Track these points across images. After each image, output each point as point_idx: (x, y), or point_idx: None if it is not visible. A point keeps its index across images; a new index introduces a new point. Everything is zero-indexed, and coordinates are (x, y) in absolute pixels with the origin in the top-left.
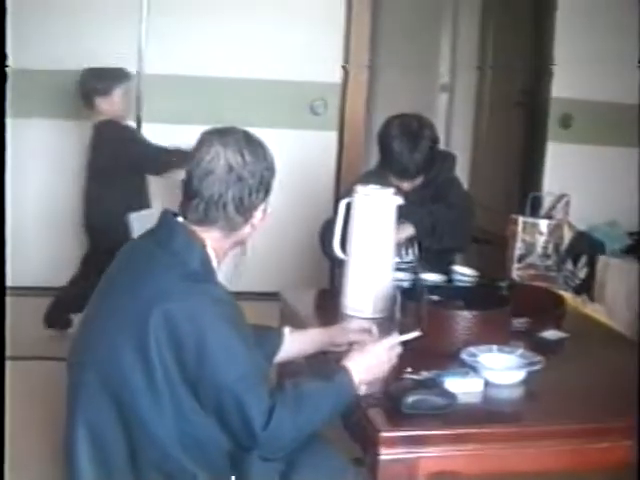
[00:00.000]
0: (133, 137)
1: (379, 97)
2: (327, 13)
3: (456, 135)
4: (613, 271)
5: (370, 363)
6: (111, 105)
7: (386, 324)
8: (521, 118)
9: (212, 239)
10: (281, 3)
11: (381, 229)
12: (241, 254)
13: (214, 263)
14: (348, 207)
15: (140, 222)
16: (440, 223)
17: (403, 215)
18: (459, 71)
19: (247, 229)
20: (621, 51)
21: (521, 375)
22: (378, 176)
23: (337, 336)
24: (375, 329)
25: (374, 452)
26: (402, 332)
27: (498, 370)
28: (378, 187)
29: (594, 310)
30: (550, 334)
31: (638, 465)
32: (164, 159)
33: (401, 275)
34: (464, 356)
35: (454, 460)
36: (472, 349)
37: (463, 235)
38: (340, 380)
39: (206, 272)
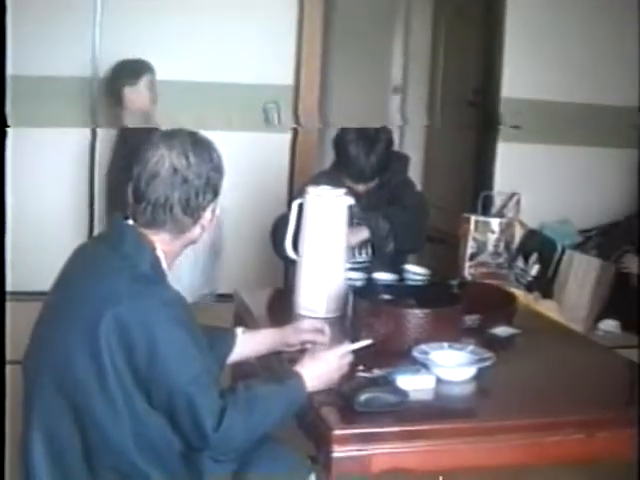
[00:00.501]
0: None
1: (332, 99)
2: (279, 15)
3: (409, 136)
4: (570, 267)
5: (321, 371)
6: (137, 94)
7: (339, 323)
8: (473, 118)
9: (161, 241)
10: (233, 5)
11: (333, 229)
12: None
13: (164, 265)
14: (300, 207)
15: None
16: (396, 226)
17: (359, 219)
18: (411, 72)
19: (197, 230)
20: (570, 51)
21: (472, 371)
22: (332, 177)
23: (290, 336)
24: (327, 329)
25: (327, 450)
26: (354, 331)
27: (449, 367)
28: (330, 188)
29: (545, 307)
30: (501, 331)
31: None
32: None
33: (354, 275)
34: (415, 353)
35: (407, 457)
36: (423, 346)
37: (418, 236)
38: (292, 385)
39: (156, 274)
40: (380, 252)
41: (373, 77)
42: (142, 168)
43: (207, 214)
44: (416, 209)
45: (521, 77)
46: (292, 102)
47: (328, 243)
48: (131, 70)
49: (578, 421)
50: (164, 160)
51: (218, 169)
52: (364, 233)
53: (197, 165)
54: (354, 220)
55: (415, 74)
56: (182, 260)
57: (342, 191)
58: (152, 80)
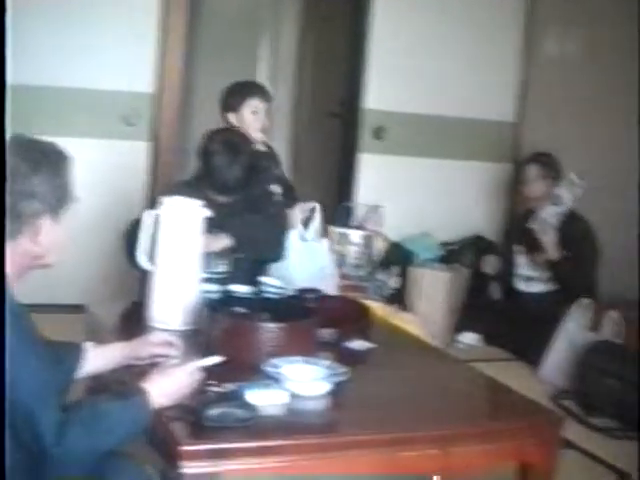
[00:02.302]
0: None
1: (196, 108)
2: (141, 23)
3: (276, 147)
4: (428, 280)
5: (170, 387)
6: None
7: (193, 337)
8: (337, 130)
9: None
10: (94, 12)
11: (188, 240)
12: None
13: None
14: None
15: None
16: (258, 233)
17: (221, 225)
18: (279, 83)
19: (29, 243)
20: (431, 65)
21: (327, 386)
22: (193, 187)
23: (139, 350)
24: (178, 342)
25: (177, 466)
26: (208, 345)
27: (301, 381)
28: (186, 198)
29: (405, 319)
30: (357, 344)
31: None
32: None
33: (211, 287)
34: (266, 368)
35: (257, 472)
36: (275, 361)
37: (279, 246)
38: (138, 402)
39: None
40: (240, 260)
41: None
42: None
43: (41, 227)
44: (277, 218)
45: (384, 90)
46: (153, 110)
47: (183, 255)
48: None
49: (432, 436)
50: None
51: (50, 180)
52: (224, 240)
53: (27, 175)
54: (214, 228)
55: (282, 86)
56: None
57: (198, 202)
58: None
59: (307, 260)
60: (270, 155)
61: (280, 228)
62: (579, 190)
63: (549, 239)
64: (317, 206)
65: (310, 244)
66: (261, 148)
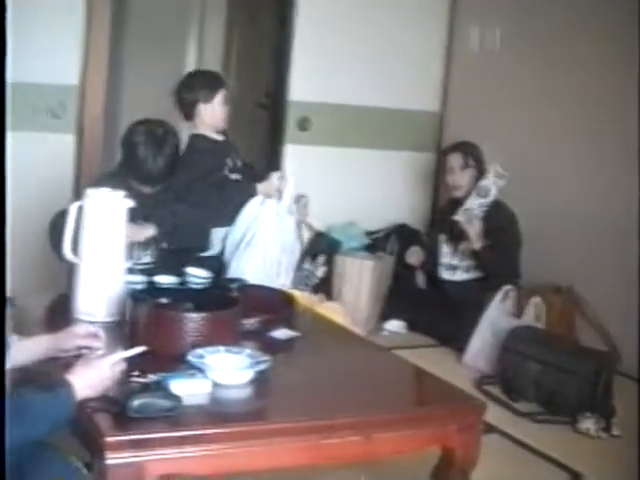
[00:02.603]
0: None
1: (123, 100)
2: (66, 15)
3: None
4: (353, 268)
5: (94, 379)
6: None
7: (118, 328)
8: (265, 120)
9: None
10: (18, 3)
11: (111, 232)
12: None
13: None
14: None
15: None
16: (183, 223)
17: (146, 215)
18: None
19: None
20: (356, 56)
21: (249, 375)
22: (117, 178)
23: (64, 342)
24: (102, 333)
25: (101, 457)
26: (132, 336)
27: (224, 371)
28: (110, 190)
29: (330, 308)
30: (280, 333)
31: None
32: None
33: (135, 278)
34: (190, 358)
35: (183, 462)
36: (199, 350)
37: (204, 236)
38: (61, 394)
39: None
40: (165, 251)
41: (166, 78)
42: None
43: None
44: (204, 208)
45: (309, 81)
46: (78, 102)
47: (107, 246)
48: None
49: (355, 422)
50: None
51: None
52: (150, 230)
53: None
54: (139, 218)
55: None
56: None
57: (121, 194)
58: None
59: (278, 233)
60: (228, 144)
61: (207, 217)
62: (503, 181)
63: (474, 230)
64: (290, 180)
65: (281, 217)
66: (219, 138)
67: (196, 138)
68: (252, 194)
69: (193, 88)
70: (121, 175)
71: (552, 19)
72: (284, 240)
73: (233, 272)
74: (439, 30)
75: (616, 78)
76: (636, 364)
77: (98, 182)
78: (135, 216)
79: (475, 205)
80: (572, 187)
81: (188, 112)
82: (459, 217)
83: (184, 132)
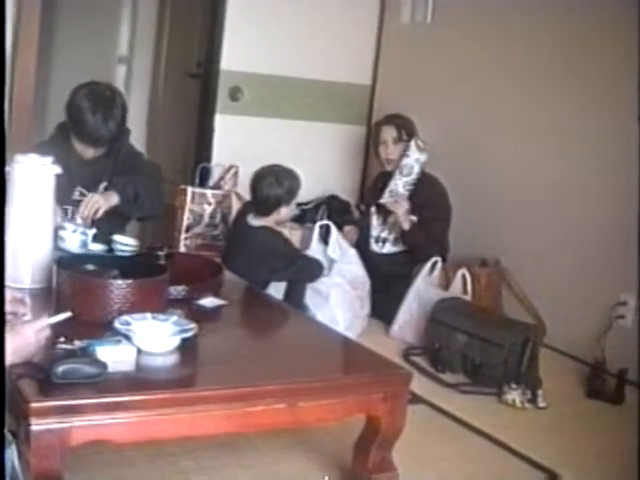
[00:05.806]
0: None
1: (56, 67)
2: None
3: (134, 107)
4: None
5: (19, 345)
6: None
7: (45, 295)
8: (196, 90)
9: None
10: None
11: (39, 198)
12: None
13: None
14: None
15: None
16: (142, 191)
17: (108, 184)
18: (137, 43)
19: None
20: (288, 27)
21: (175, 342)
22: (57, 143)
23: None
24: (28, 299)
25: (25, 423)
26: (58, 303)
27: (150, 338)
28: (38, 156)
29: None
30: (208, 302)
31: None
32: None
33: (66, 245)
34: (117, 324)
35: (108, 429)
36: (126, 317)
37: (160, 203)
38: None
39: None
40: (100, 220)
41: (100, 47)
42: None
43: None
44: (154, 176)
45: (241, 51)
46: (9, 70)
47: (34, 213)
48: None
49: (279, 390)
50: None
51: None
52: (114, 198)
53: None
54: (103, 186)
55: (141, 46)
56: None
57: (49, 159)
58: None
59: None
60: None
61: (158, 186)
62: (424, 155)
63: (401, 211)
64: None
65: None
66: None
67: None
68: None
69: None
70: (62, 140)
71: None
72: None
73: None
74: (371, 2)
75: (547, 44)
76: (561, 336)
77: (38, 149)
78: (82, 183)
79: (399, 185)
80: (504, 159)
81: None
82: (385, 200)
83: None
